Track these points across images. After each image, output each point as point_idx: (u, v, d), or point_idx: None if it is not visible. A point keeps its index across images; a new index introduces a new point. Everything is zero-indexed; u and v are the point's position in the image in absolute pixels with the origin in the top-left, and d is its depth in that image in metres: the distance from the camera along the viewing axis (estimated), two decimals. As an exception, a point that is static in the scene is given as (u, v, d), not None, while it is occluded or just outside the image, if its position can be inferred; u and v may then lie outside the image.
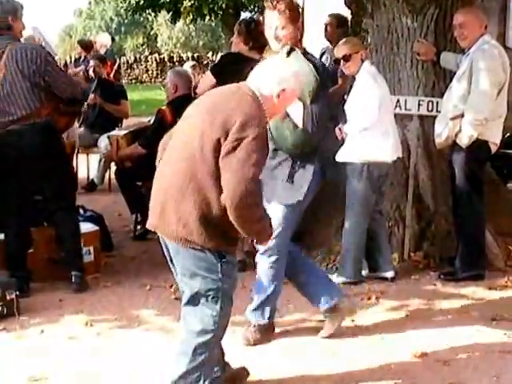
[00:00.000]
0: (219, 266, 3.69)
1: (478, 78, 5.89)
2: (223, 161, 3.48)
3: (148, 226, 3.83)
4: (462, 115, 5.95)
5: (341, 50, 6.06)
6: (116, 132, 9.25)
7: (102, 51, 12.96)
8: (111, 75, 12.12)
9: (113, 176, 8.56)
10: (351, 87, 6.09)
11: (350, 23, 7.70)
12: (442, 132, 6.10)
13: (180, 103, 7.08)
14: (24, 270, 5.86)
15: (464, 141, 5.97)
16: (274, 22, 4.70)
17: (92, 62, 10.21)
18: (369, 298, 5.74)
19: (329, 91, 5.12)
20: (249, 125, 3.49)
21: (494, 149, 6.15)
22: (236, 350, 4.61)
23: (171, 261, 3.87)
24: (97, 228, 6.53)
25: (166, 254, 3.88)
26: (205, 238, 3.61)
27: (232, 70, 5.25)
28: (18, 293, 5.46)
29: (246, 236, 3.78)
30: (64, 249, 6.04)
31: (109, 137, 9.17)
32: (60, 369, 4.56)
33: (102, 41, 13.71)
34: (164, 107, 7.31)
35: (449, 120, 6.02)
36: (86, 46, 13.08)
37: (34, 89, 5.71)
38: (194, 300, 3.77)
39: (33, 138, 5.71)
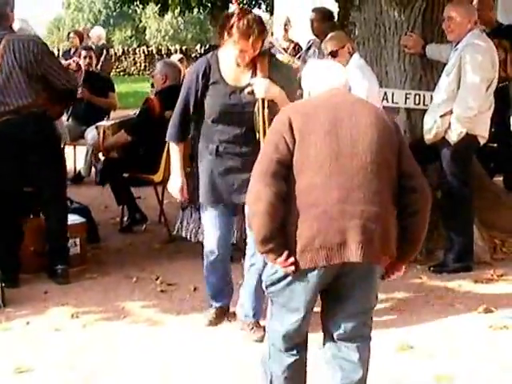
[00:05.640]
0: None
1: (467, 75, 5.89)
2: (411, 165, 3.48)
3: (357, 258, 3.28)
4: (451, 111, 5.97)
5: (327, 47, 6.10)
6: (104, 122, 9.23)
7: (99, 44, 13.07)
8: (98, 67, 12.11)
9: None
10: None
11: (337, 16, 7.70)
12: (431, 128, 6.10)
13: (168, 93, 7.10)
14: (14, 262, 5.81)
15: (453, 137, 5.99)
16: None
17: (84, 53, 10.18)
18: (355, 291, 5.74)
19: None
20: None
21: (482, 142, 6.18)
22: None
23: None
24: (83, 220, 6.51)
25: (312, 294, 3.40)
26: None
27: None
28: (3, 284, 5.46)
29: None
30: (51, 241, 5.97)
31: (97, 127, 9.15)
32: (46, 360, 4.55)
33: (98, 33, 13.78)
34: (152, 96, 7.30)
35: (438, 116, 6.03)
36: (82, 36, 13.13)
37: (31, 80, 5.69)
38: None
39: (29, 128, 5.70)
